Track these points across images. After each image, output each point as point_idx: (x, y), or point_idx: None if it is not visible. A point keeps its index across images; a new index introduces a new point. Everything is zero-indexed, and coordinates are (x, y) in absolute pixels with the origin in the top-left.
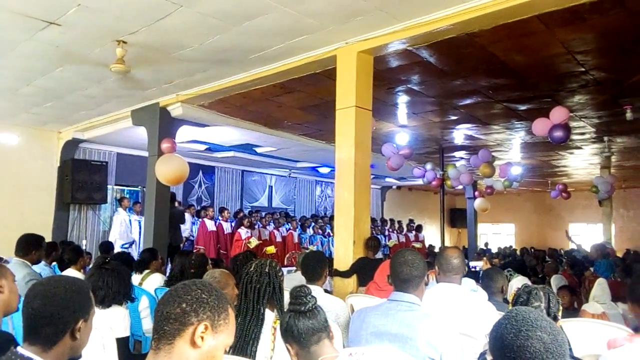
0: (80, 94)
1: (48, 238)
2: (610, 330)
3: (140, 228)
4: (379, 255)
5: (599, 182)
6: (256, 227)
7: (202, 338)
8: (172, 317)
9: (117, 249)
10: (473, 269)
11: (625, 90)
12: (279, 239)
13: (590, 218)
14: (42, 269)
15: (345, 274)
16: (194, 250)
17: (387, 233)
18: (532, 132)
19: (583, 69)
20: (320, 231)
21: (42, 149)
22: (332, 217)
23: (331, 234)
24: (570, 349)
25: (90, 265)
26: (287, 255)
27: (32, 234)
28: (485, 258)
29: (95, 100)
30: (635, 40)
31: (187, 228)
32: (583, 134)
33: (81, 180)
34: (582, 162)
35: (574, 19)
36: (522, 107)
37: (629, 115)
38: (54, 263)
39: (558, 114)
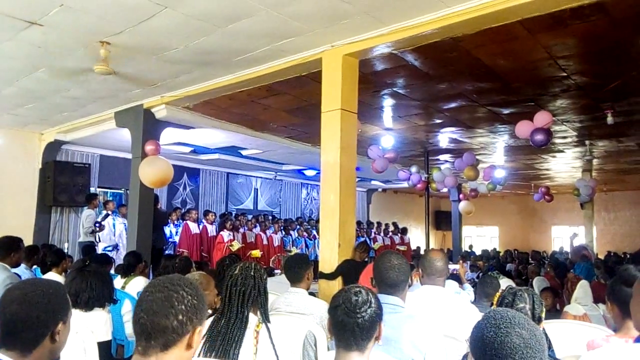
0: (62, 95)
1: (29, 241)
2: (591, 332)
3: (125, 231)
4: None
5: (581, 185)
6: (242, 230)
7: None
8: (170, 329)
9: (99, 252)
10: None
11: (606, 95)
12: (265, 242)
13: (573, 221)
14: (23, 272)
15: (330, 277)
16: (177, 253)
17: (372, 235)
18: (516, 134)
19: (565, 74)
20: (305, 234)
21: (23, 150)
22: (317, 220)
23: (316, 237)
24: (552, 350)
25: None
26: (272, 258)
27: (10, 236)
28: (460, 261)
29: (78, 102)
30: (615, 46)
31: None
32: (565, 137)
33: (63, 182)
34: (565, 166)
35: (555, 24)
36: (506, 111)
37: (609, 119)
38: (35, 266)
39: (541, 118)
